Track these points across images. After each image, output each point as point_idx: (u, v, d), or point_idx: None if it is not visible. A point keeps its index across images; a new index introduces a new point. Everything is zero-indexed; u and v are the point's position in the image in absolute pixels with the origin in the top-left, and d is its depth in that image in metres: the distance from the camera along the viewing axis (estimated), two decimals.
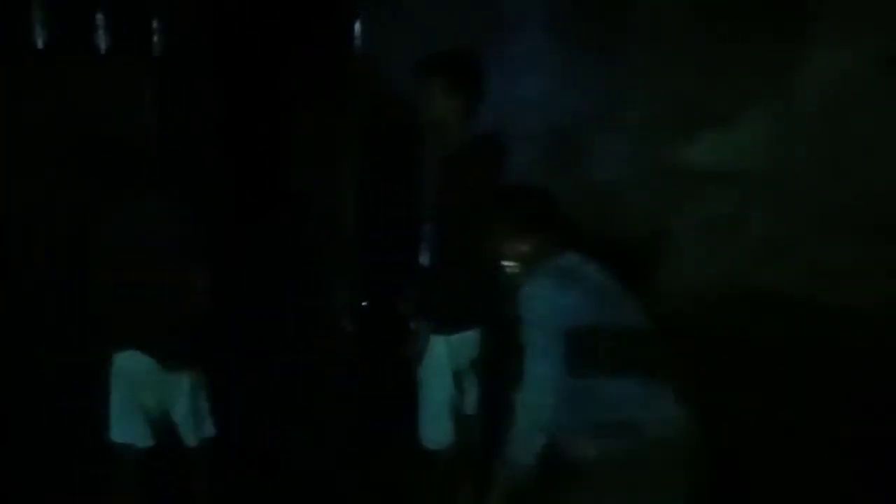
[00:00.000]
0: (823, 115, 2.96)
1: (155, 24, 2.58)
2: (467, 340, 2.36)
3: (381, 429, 2.85)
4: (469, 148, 2.27)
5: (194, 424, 2.34)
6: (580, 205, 3.22)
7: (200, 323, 2.27)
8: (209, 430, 2.38)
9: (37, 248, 2.81)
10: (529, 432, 1.91)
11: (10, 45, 2.59)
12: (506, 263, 2.02)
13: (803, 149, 3.00)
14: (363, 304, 3.22)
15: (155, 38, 2.59)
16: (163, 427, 2.34)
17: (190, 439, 2.34)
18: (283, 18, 2.93)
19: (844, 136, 2.95)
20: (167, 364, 2.23)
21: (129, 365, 2.23)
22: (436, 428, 2.33)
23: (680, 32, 3.00)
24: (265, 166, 3.31)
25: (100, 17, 2.50)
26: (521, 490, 1.98)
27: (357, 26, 3.14)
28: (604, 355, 1.94)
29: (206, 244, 2.28)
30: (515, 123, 3.16)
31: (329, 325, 3.23)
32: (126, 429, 2.29)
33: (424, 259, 2.30)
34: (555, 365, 1.86)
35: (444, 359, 2.31)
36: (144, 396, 2.29)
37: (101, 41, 2.54)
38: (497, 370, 2.37)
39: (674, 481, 1.90)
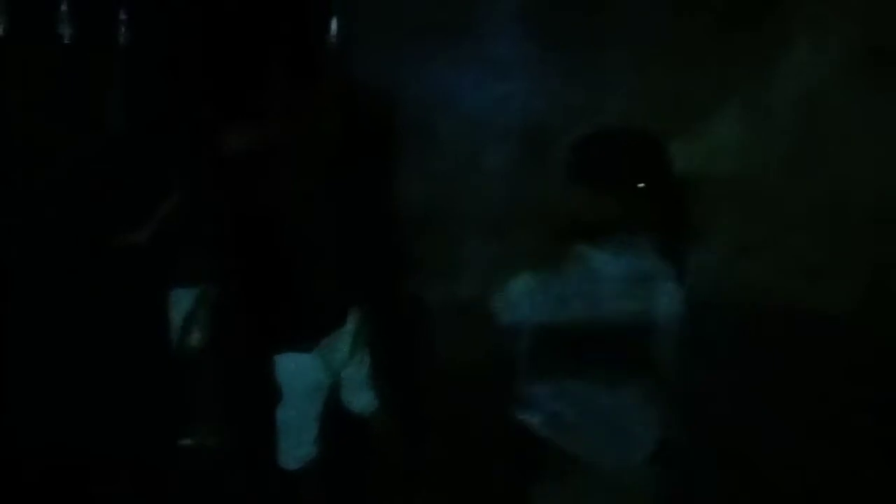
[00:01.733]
0: (794, 115, 2.97)
1: (121, 16, 2.54)
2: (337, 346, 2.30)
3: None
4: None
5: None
6: (554, 206, 3.23)
7: None
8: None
9: None
10: None
11: None
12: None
13: (774, 149, 3.00)
14: None
15: (121, 30, 2.56)
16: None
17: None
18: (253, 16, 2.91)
19: (816, 136, 2.96)
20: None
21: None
22: (294, 449, 2.27)
23: (652, 32, 3.00)
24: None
25: (64, 6, 2.46)
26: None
27: (333, 25, 3.14)
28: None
29: None
30: (488, 122, 3.16)
31: None
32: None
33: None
34: None
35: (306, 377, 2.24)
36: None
37: (65, 30, 2.50)
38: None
39: None
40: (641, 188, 1.73)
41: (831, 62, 2.93)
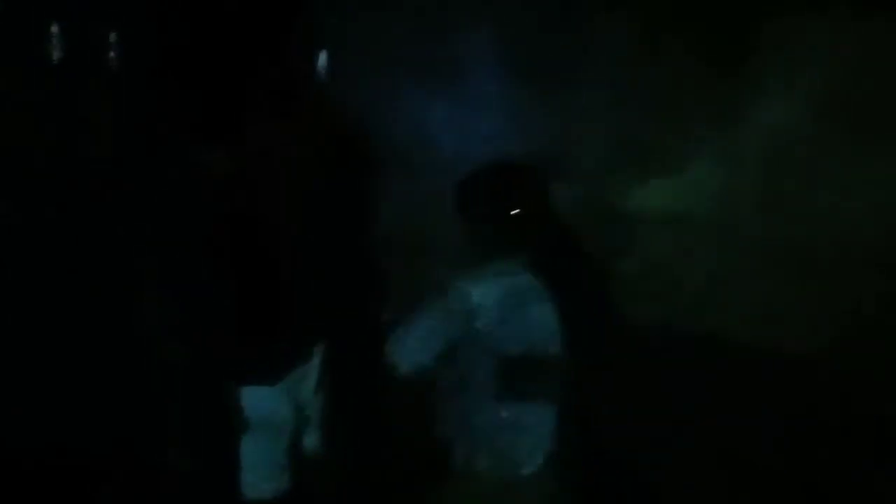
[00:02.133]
0: (770, 158, 3.03)
1: (111, 37, 2.63)
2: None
3: None
4: None
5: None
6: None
7: None
8: None
9: None
10: None
11: None
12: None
13: (747, 192, 3.05)
14: None
15: (110, 51, 2.65)
16: None
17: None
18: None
19: (787, 181, 3.01)
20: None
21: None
22: (260, 482, 2.22)
23: (630, 74, 3.09)
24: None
25: (55, 27, 2.55)
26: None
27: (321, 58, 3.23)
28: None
29: None
30: (464, 155, 3.22)
31: None
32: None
33: None
34: None
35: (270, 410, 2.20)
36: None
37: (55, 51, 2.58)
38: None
39: None
40: (515, 216, 1.95)
41: (804, 109, 3.00)
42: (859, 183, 2.92)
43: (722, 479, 2.99)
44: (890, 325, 2.91)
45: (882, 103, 2.95)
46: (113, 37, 2.68)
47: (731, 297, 3.10)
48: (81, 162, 2.80)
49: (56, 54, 2.60)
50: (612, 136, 3.17)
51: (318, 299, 2.29)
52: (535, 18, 3.16)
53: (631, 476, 3.08)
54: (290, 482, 2.24)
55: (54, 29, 2.58)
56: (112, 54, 2.72)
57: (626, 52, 3.09)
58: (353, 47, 3.23)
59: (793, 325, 3.00)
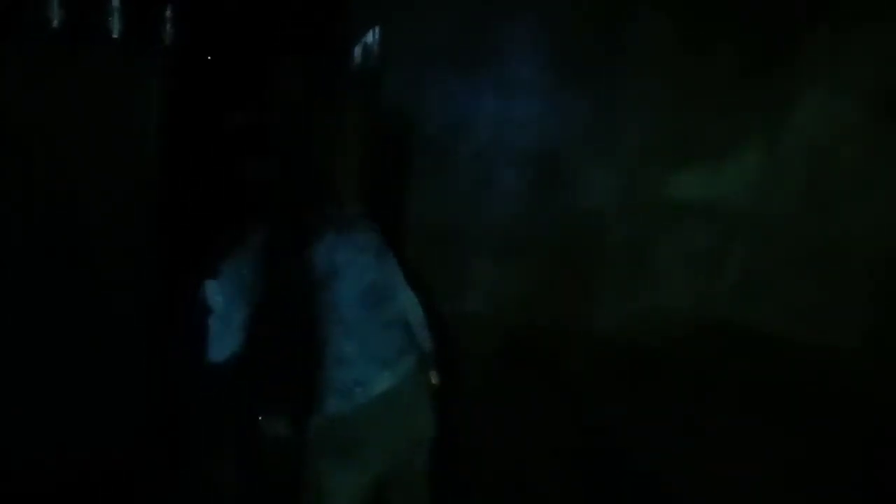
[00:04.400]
0: (810, 154, 3.02)
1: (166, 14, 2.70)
2: None
3: None
4: None
5: None
6: (564, 231, 3.31)
7: None
8: None
9: None
10: None
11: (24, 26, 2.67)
12: None
13: (789, 187, 3.05)
14: None
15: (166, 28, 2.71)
16: None
17: None
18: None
19: (830, 177, 3.01)
20: None
21: None
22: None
23: (672, 66, 3.10)
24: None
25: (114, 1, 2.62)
26: None
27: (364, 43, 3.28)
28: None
29: None
30: (503, 144, 3.27)
31: None
32: None
33: None
34: None
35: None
36: None
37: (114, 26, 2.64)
38: None
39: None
40: None
41: (846, 109, 3.00)
42: None
43: (747, 473, 3.02)
44: None
45: None
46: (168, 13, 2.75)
47: (766, 289, 3.11)
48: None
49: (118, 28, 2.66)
50: (651, 127, 3.18)
51: None
52: (577, 8, 3.17)
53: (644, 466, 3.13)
54: None
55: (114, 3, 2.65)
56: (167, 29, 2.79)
57: (669, 42, 3.09)
58: (398, 33, 3.28)
59: (827, 321, 3.01)
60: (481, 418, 3.31)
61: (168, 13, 2.71)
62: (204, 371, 2.13)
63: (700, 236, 3.18)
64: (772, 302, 3.10)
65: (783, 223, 3.07)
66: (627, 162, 3.22)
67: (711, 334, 3.14)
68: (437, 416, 2.41)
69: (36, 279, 2.80)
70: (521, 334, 3.39)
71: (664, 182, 3.19)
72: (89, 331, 2.94)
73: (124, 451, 3.08)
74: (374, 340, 2.21)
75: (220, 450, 2.98)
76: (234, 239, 2.21)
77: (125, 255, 2.92)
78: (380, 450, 2.22)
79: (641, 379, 3.23)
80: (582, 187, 3.28)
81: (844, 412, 2.90)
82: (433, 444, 2.43)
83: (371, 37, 3.26)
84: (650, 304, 3.26)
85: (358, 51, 3.35)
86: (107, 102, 2.79)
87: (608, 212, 3.28)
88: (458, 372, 2.86)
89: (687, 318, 3.19)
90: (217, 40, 2.79)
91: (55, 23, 2.61)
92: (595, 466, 3.29)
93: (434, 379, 2.48)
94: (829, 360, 2.98)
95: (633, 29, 3.11)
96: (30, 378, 2.86)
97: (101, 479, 2.93)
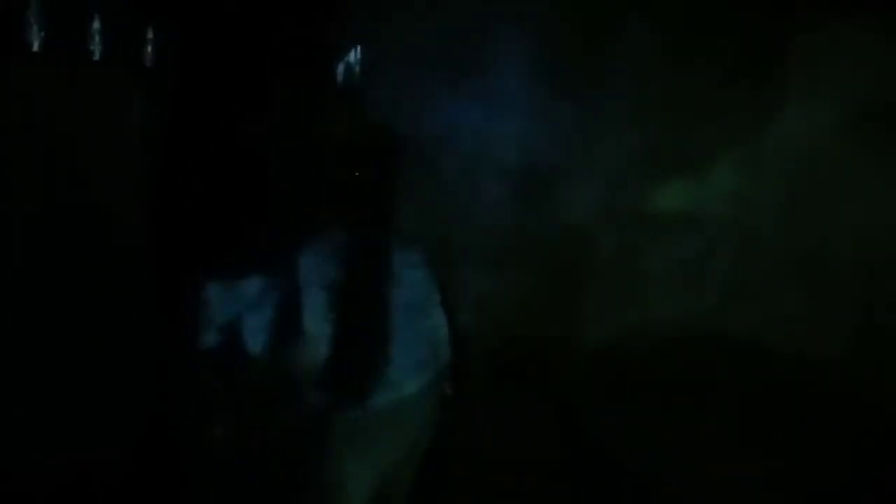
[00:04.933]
0: (791, 164, 3.07)
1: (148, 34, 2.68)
2: None
3: None
4: None
5: None
6: (550, 242, 3.34)
7: None
8: None
9: None
10: None
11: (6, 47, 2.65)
12: None
13: (771, 196, 3.10)
14: None
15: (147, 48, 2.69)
16: None
17: None
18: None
19: (811, 186, 3.06)
20: None
21: None
22: None
23: (657, 78, 3.13)
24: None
25: (95, 22, 2.60)
26: None
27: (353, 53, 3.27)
28: None
29: None
30: (488, 157, 3.28)
31: None
32: None
33: None
34: None
35: None
36: None
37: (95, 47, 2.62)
38: None
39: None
40: None
41: (827, 119, 3.05)
42: (879, 191, 2.97)
43: (733, 478, 3.06)
44: None
45: None
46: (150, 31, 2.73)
47: (751, 298, 3.16)
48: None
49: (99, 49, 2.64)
50: (635, 140, 3.21)
51: None
52: (562, 23, 3.19)
53: (632, 476, 3.16)
54: None
55: (95, 25, 2.62)
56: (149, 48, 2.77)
57: (651, 57, 3.12)
58: (384, 45, 3.27)
59: (808, 329, 3.06)
60: (467, 429, 3.33)
61: (150, 34, 2.69)
62: (203, 371, 2.15)
63: (685, 247, 3.23)
64: (756, 310, 3.16)
65: (766, 232, 3.13)
66: (613, 173, 3.25)
67: (697, 343, 3.18)
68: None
69: (35, 279, 2.79)
70: (508, 346, 3.42)
71: (649, 193, 3.22)
72: (89, 331, 2.92)
73: (124, 451, 3.06)
74: (408, 347, 2.27)
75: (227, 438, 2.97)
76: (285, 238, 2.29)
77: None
78: (391, 450, 2.29)
79: (628, 388, 3.27)
80: (567, 199, 3.31)
81: (829, 418, 2.96)
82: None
83: (354, 54, 3.26)
84: (636, 314, 3.30)
85: (342, 65, 3.35)
86: (93, 120, 2.77)
87: (594, 223, 3.31)
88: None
89: (673, 327, 3.23)
90: (206, 54, 2.79)
91: (35, 46, 2.60)
92: (581, 477, 3.33)
93: (448, 389, 2.53)
94: (813, 366, 3.04)
95: (618, 43, 3.14)
96: (29, 378, 2.84)
97: (100, 480, 2.92)
